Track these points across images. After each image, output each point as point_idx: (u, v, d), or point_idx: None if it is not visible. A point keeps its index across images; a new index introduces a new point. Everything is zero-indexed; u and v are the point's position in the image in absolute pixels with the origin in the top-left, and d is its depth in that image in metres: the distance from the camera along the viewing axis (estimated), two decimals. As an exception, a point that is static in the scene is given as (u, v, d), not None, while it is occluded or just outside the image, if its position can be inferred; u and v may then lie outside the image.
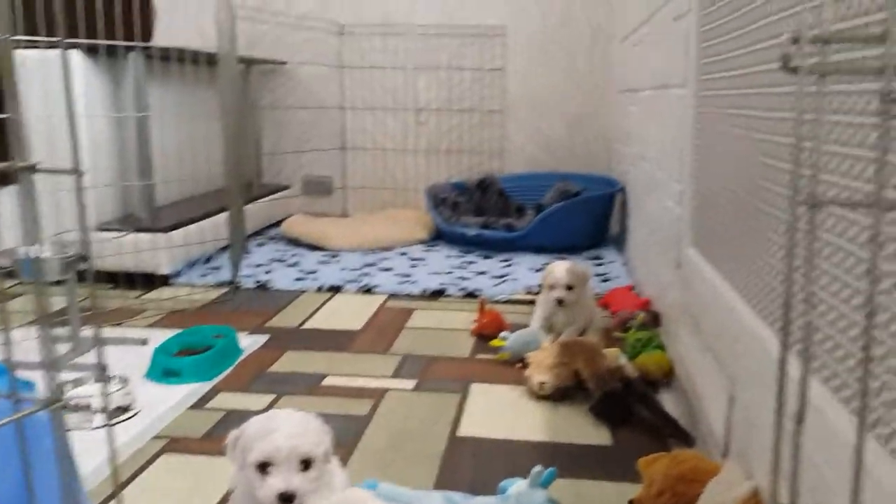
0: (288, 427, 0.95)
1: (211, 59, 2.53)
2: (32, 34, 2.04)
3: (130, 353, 1.86)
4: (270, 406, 1.57)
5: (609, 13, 3.57)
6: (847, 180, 0.77)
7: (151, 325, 2.11)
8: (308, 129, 3.80)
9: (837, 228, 0.79)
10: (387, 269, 2.73)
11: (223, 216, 2.65)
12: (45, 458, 0.69)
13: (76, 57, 2.38)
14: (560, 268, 1.90)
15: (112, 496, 1.23)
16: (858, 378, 0.70)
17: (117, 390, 1.54)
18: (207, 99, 3.10)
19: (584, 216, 3.03)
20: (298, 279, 2.56)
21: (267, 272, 2.66)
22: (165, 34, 3.29)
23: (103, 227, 2.44)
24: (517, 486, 1.16)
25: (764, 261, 1.05)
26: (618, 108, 3.32)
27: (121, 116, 2.56)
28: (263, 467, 0.94)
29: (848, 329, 0.76)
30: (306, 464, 0.95)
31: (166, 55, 2.50)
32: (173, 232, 2.50)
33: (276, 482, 0.93)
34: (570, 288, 1.88)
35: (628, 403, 1.52)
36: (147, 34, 2.52)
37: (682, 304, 1.65)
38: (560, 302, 1.87)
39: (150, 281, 2.45)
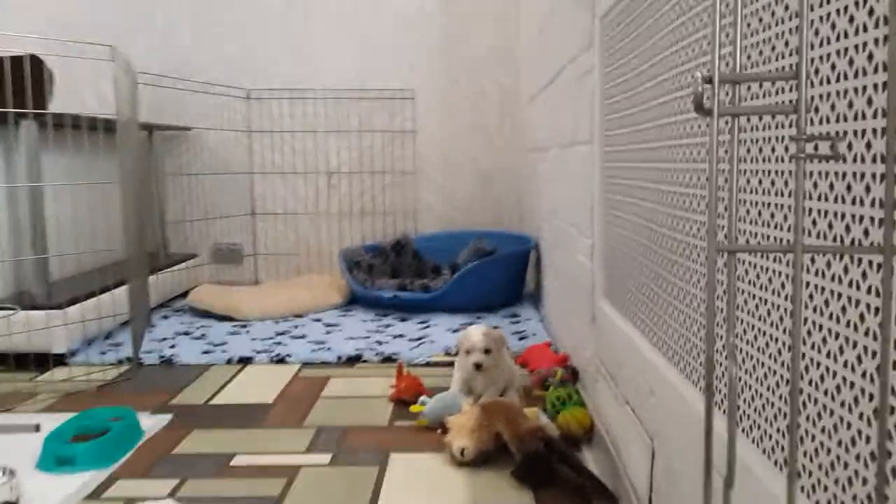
0: None
1: (110, 126, 2.44)
2: None
3: (21, 441, 1.71)
4: (173, 493, 1.46)
5: (515, 75, 3.66)
6: (757, 227, 0.77)
7: (45, 410, 1.96)
8: (216, 196, 3.71)
9: (749, 277, 0.79)
10: (300, 337, 2.64)
11: (124, 289, 2.52)
12: None
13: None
14: (476, 332, 1.87)
15: None
16: (786, 427, 0.68)
17: (2, 484, 1.40)
18: (107, 167, 2.98)
19: (499, 274, 3.03)
20: (206, 352, 2.45)
21: (172, 346, 2.53)
22: (62, 100, 3.18)
23: (-9, 306, 2.28)
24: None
25: (676, 310, 1.05)
26: (528, 165, 3.37)
27: (12, 187, 2.43)
28: None
29: (766, 378, 0.75)
30: None
31: (62, 122, 2.39)
32: (70, 308, 2.35)
33: None
34: (487, 351, 1.85)
35: (550, 464, 1.49)
36: (41, 100, 2.41)
37: (598, 358, 1.64)
38: (478, 367, 1.84)
39: (45, 361, 2.29)
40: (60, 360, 2.34)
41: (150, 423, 1.83)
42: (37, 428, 1.79)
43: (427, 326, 2.75)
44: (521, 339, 2.53)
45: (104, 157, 2.96)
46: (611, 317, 1.49)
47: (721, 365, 0.86)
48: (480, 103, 3.68)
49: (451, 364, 2.11)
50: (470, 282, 2.95)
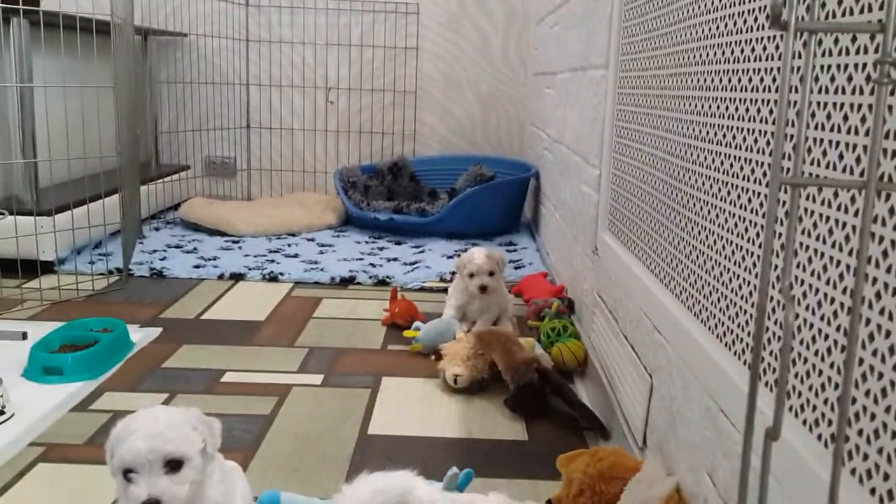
0: (149, 426, 0.84)
1: (105, 28, 2.33)
2: None
3: (7, 348, 1.69)
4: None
5: (523, -5, 3.52)
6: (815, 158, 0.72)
7: (32, 317, 1.94)
8: (210, 107, 3.61)
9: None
10: (293, 256, 2.60)
11: (115, 198, 2.46)
12: None
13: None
14: (480, 254, 1.84)
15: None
16: (837, 399, 0.65)
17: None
18: (100, 71, 2.88)
19: (498, 201, 2.98)
20: (197, 266, 2.41)
21: (162, 259, 2.49)
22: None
23: (-22, 210, 2.22)
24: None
25: (689, 247, 1.01)
26: (533, 91, 3.28)
27: (0, 87, 2.34)
28: (127, 474, 0.83)
29: (814, 341, 0.72)
30: (174, 465, 0.85)
31: (54, 21, 2.28)
32: (59, 215, 2.30)
33: (139, 490, 0.82)
34: (491, 274, 1.82)
35: (544, 395, 1.48)
36: (32, -1, 2.30)
37: (596, 291, 1.61)
38: (483, 289, 1.81)
39: (33, 268, 2.25)
40: (49, 267, 2.30)
41: (140, 335, 1.81)
42: (24, 336, 1.76)
43: (422, 251, 2.71)
44: (517, 268, 2.50)
45: (98, 60, 2.85)
46: (614, 250, 1.45)
47: (745, 313, 0.83)
48: (485, 23, 3.56)
49: (444, 290, 2.08)
50: (467, 207, 2.90)
